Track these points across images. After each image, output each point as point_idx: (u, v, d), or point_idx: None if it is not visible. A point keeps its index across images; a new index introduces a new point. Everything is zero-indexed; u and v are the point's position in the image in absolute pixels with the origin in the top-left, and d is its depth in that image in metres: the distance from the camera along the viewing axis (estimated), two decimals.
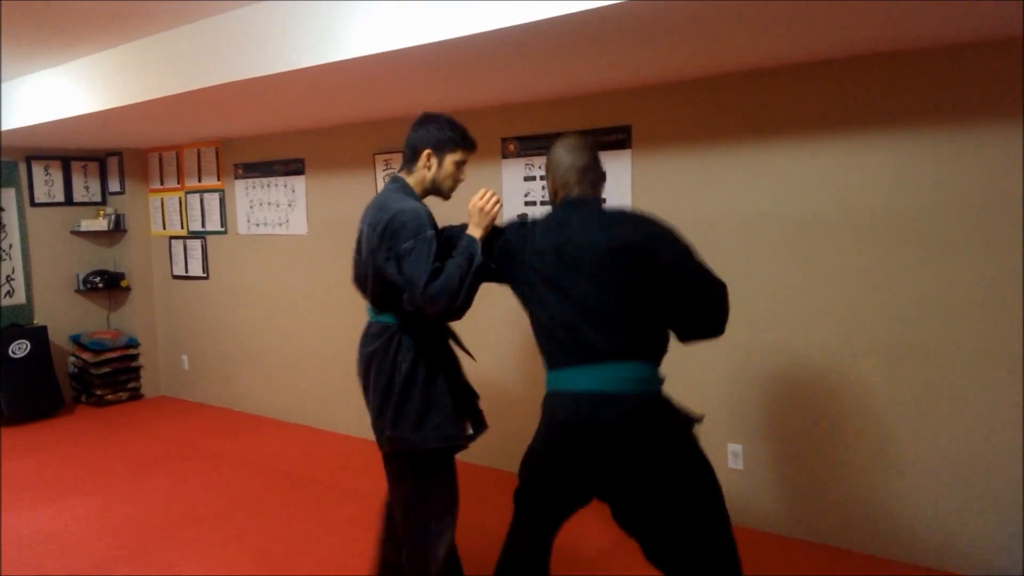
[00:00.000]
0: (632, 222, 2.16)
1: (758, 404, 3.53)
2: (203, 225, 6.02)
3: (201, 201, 5.99)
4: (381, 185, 4.80)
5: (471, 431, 2.53)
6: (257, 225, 5.63)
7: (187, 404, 6.31)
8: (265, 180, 5.51)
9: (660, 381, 2.14)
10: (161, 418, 5.88)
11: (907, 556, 3.20)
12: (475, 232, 2.29)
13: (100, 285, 6.27)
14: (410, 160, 2.47)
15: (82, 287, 6.29)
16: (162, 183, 6.28)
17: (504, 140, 4.24)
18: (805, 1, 2.26)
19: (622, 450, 2.06)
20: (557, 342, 2.12)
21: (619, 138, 3.81)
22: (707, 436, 3.70)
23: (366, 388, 2.55)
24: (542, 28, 2.49)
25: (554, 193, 2.30)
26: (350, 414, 5.23)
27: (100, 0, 3.05)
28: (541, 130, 4.09)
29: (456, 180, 2.47)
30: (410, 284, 2.19)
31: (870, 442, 3.26)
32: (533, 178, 4.13)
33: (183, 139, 5.80)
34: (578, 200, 2.24)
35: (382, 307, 2.46)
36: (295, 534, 3.64)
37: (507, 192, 4.25)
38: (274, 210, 5.50)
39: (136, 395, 6.45)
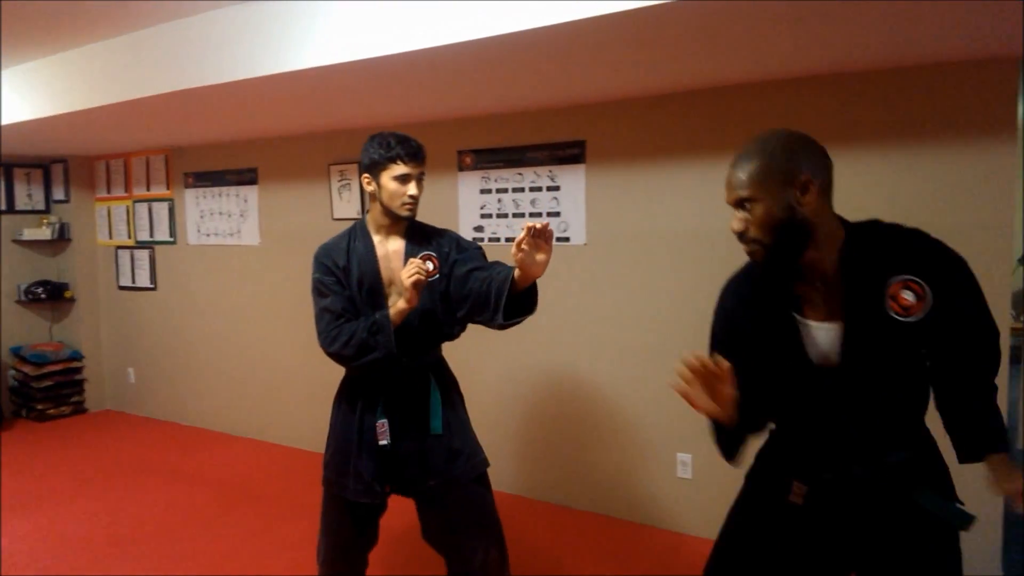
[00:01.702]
0: None
1: None
2: (151, 235, 5.89)
3: (149, 210, 5.87)
4: (336, 196, 4.76)
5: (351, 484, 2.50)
6: (208, 235, 5.53)
7: (133, 418, 6.15)
8: (216, 190, 5.42)
9: None
10: (106, 433, 5.72)
11: None
12: (400, 304, 2.26)
13: (43, 296, 6.08)
14: (362, 193, 2.45)
15: (24, 298, 6.09)
16: (109, 191, 6.13)
17: (460, 152, 4.25)
18: (766, 21, 2.32)
19: None
20: None
21: (573, 153, 3.85)
22: (655, 445, 3.76)
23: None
24: (497, 44, 2.51)
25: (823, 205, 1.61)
26: (301, 428, 5.16)
27: (46, 1, 2.98)
28: (497, 143, 4.12)
29: (404, 196, 2.30)
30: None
31: None
32: (489, 191, 4.15)
33: (131, 147, 5.68)
34: None
35: None
36: (246, 552, 3.57)
37: (463, 205, 4.26)
38: (225, 220, 5.41)
39: (80, 409, 6.26)
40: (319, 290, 2.39)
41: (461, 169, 4.25)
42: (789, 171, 1.53)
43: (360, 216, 2.50)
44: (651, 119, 3.64)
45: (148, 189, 5.85)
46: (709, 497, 3.60)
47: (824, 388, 1.57)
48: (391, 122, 4.38)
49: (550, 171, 3.94)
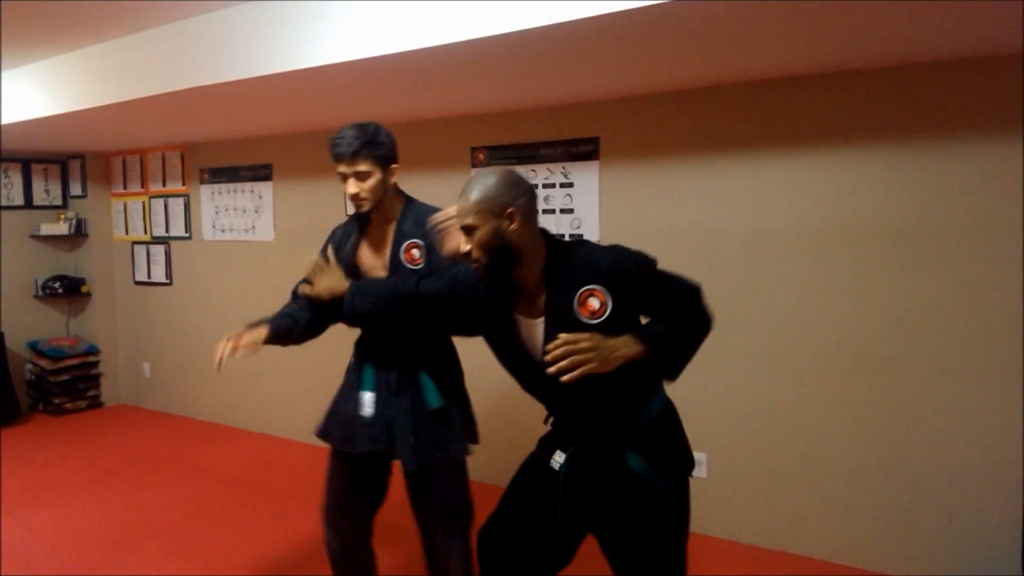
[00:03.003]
0: None
1: (722, 413, 3.58)
2: (167, 230, 5.93)
3: (165, 206, 5.91)
4: None
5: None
6: (223, 231, 5.56)
7: (148, 413, 6.19)
8: (231, 185, 5.45)
9: None
10: (121, 427, 5.77)
11: (865, 563, 3.26)
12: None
13: (60, 290, 6.14)
14: None
15: (41, 292, 6.15)
16: (125, 187, 6.18)
17: (474, 149, 4.25)
18: (776, 19, 2.31)
19: None
20: None
21: (587, 149, 3.84)
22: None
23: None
24: (511, 40, 2.50)
25: (519, 223, 1.96)
26: (314, 422, 5.17)
27: (64, 1, 3.00)
28: (511, 140, 4.11)
29: (347, 194, 2.41)
30: None
31: (833, 451, 3.31)
32: None
33: (148, 143, 5.72)
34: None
35: None
36: (258, 545, 3.59)
37: None
38: (240, 216, 5.44)
39: (96, 403, 6.31)
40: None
41: (474, 165, 4.25)
42: (499, 205, 1.85)
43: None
44: (664, 116, 3.62)
45: (164, 185, 5.89)
46: (724, 496, 3.58)
47: (539, 374, 1.88)
48: (405, 118, 4.39)
49: (563, 168, 3.93)
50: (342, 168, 2.37)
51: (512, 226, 1.87)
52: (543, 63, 2.89)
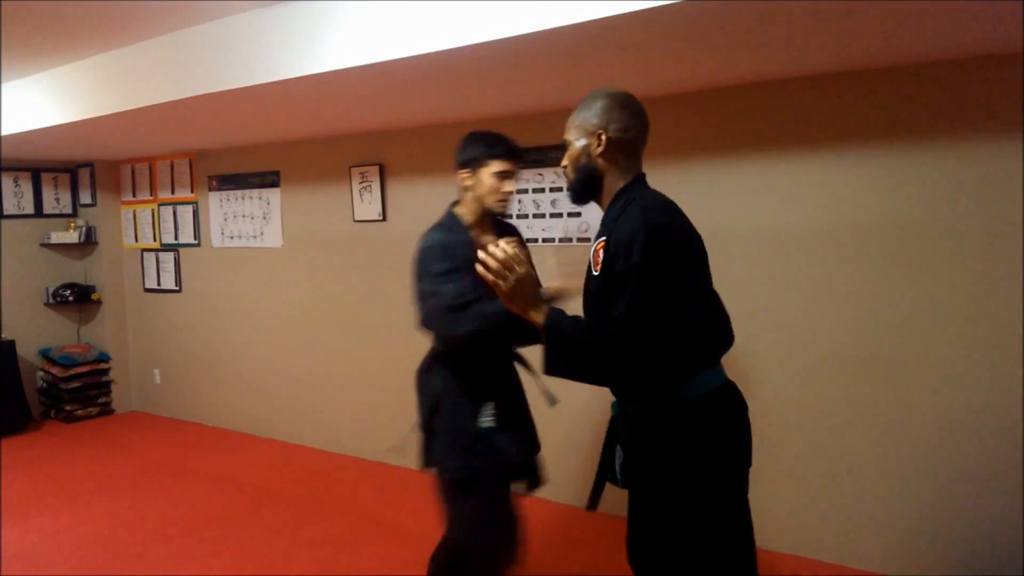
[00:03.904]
0: None
1: None
2: (176, 238, 5.96)
3: (174, 213, 5.93)
4: (358, 198, 4.78)
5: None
6: (231, 238, 5.58)
7: (159, 419, 6.22)
8: (239, 192, 5.47)
9: None
10: (132, 433, 5.79)
11: (869, 565, 3.23)
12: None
13: (70, 298, 6.17)
14: (460, 186, 2.49)
15: (52, 300, 6.18)
16: (134, 195, 6.21)
17: None
18: (776, 20, 2.30)
19: None
20: (714, 338, 1.90)
21: None
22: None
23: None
24: (518, 44, 2.50)
25: (606, 154, 1.87)
26: (324, 429, 5.19)
27: (73, 0, 3.02)
28: (519, 144, 4.10)
29: (499, 193, 2.38)
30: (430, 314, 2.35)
31: (837, 453, 3.29)
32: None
33: (156, 151, 5.75)
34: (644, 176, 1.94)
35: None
36: (269, 551, 3.60)
37: None
38: (248, 223, 5.45)
39: (107, 410, 6.34)
40: (449, 276, 2.31)
41: None
42: (592, 125, 1.85)
43: (449, 213, 2.51)
44: (670, 119, 3.61)
45: (173, 192, 5.92)
46: None
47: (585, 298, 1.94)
48: (412, 124, 4.39)
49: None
50: (507, 166, 2.38)
51: (598, 149, 1.84)
52: (549, 67, 2.89)
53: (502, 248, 1.78)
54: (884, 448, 3.20)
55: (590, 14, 2.23)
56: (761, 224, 3.42)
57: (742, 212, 3.47)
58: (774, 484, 3.47)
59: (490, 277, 1.79)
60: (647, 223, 1.72)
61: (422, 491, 4.34)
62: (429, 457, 2.53)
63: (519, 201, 4.12)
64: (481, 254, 1.79)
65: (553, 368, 1.81)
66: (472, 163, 2.40)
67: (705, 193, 3.55)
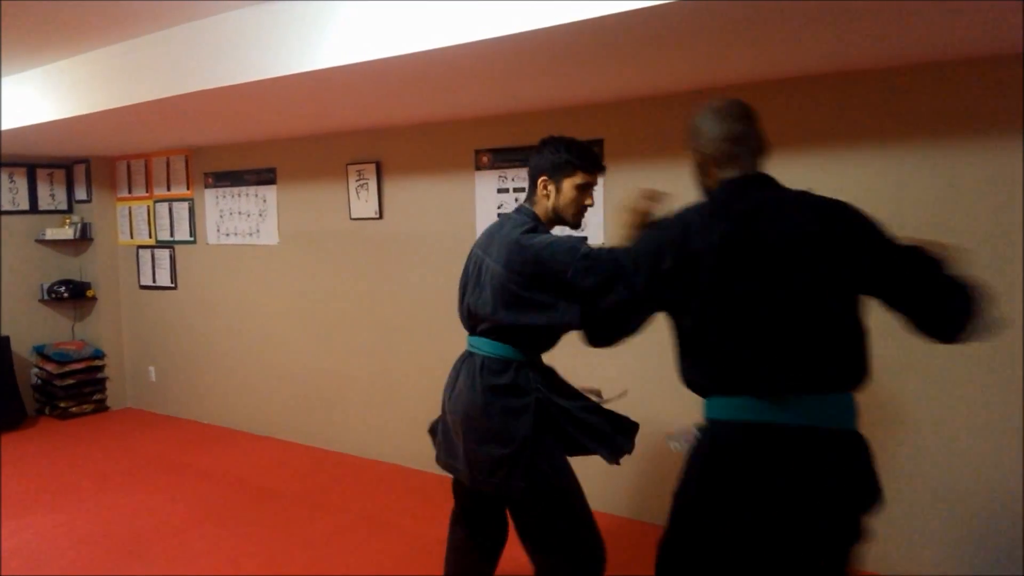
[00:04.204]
0: (841, 206, 1.73)
1: None
2: (172, 234, 5.94)
3: (170, 210, 5.92)
4: (354, 195, 4.78)
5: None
6: (227, 235, 5.57)
7: (154, 416, 6.20)
8: (236, 189, 5.46)
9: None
10: (127, 431, 5.78)
11: (867, 564, 3.24)
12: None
13: (65, 295, 6.15)
14: (531, 189, 2.37)
15: (46, 297, 6.17)
16: (130, 191, 6.20)
17: (477, 152, 4.25)
18: (779, 20, 2.31)
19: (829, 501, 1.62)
20: (751, 362, 1.66)
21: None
22: (665, 444, 3.74)
23: (471, 424, 2.34)
24: (514, 42, 2.50)
25: (702, 172, 1.90)
26: (321, 426, 5.19)
27: (67, 1, 3.01)
28: (514, 142, 4.11)
29: (580, 205, 2.31)
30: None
31: None
32: (507, 190, 4.15)
33: (152, 147, 5.73)
34: (754, 178, 1.80)
35: (508, 341, 2.32)
36: (266, 549, 3.59)
37: (480, 204, 4.26)
38: (244, 220, 5.45)
39: (101, 407, 6.33)
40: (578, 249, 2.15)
41: (478, 168, 4.25)
42: (692, 147, 1.89)
43: (532, 215, 2.36)
44: (668, 118, 3.62)
45: (168, 189, 5.91)
46: None
47: None
48: (409, 122, 4.39)
49: None
50: (591, 179, 2.33)
51: (703, 168, 1.88)
52: (546, 65, 2.89)
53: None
54: (879, 449, 3.21)
55: (586, 13, 2.23)
56: None
57: None
58: None
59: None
60: (643, 235, 1.90)
61: (419, 489, 4.36)
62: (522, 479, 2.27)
63: (516, 199, 4.12)
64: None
65: None
66: (555, 171, 2.30)
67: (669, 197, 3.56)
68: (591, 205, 2.35)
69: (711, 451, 1.71)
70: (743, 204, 1.72)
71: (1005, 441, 2.98)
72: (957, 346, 2.98)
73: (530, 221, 2.30)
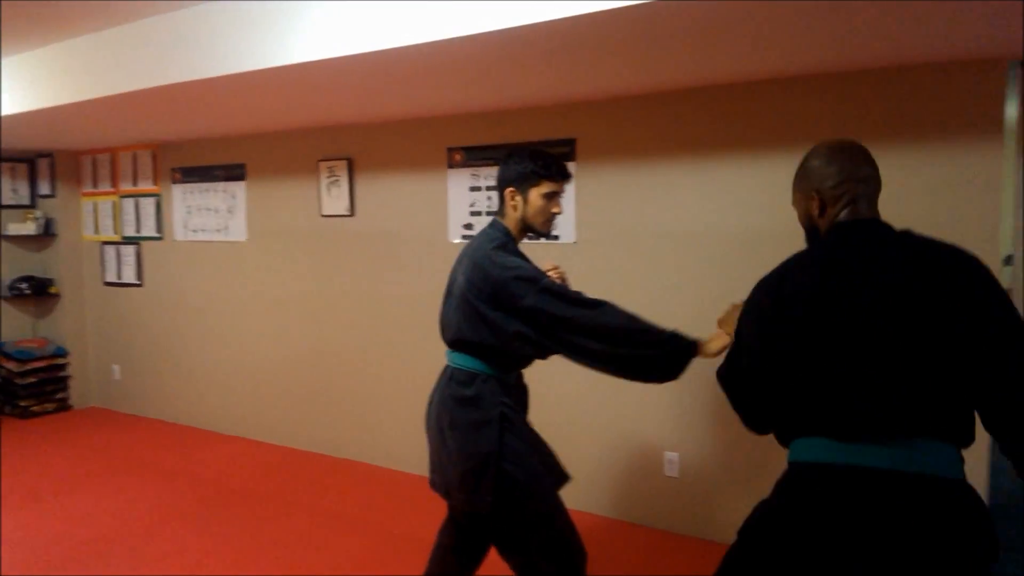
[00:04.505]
0: (950, 256, 1.60)
1: (694, 412, 3.60)
2: (138, 230, 5.84)
3: (136, 206, 5.82)
4: (325, 192, 4.74)
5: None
6: (195, 231, 5.49)
7: (119, 415, 6.10)
8: (204, 185, 5.39)
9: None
10: (91, 430, 5.67)
11: None
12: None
13: (27, 291, 6.02)
14: (501, 202, 2.40)
15: (7, 293, 6.02)
16: (95, 186, 6.08)
17: (450, 150, 4.24)
18: (756, 22, 2.33)
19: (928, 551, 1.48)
20: (816, 408, 1.61)
21: (563, 151, 3.84)
22: (643, 443, 3.77)
23: (442, 438, 2.38)
24: (487, 41, 2.50)
25: (812, 215, 1.78)
26: (288, 426, 5.14)
27: None
28: (487, 140, 4.11)
29: (548, 214, 2.34)
30: (587, 332, 2.16)
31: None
32: (479, 188, 4.14)
33: (118, 141, 5.63)
34: (865, 224, 1.70)
35: (474, 354, 2.34)
36: (232, 549, 3.55)
37: (453, 202, 4.25)
38: (213, 216, 5.37)
39: (64, 406, 6.20)
40: (560, 293, 2.21)
41: (451, 166, 4.24)
42: (806, 187, 1.79)
43: (504, 231, 2.40)
44: (641, 118, 3.64)
45: (135, 184, 5.81)
46: (695, 496, 3.61)
47: None
48: (381, 118, 4.37)
49: None
50: (558, 187, 2.35)
51: (815, 210, 1.75)
52: (519, 64, 2.89)
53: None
54: None
55: (558, 13, 2.23)
56: (735, 225, 3.46)
57: (716, 213, 3.51)
58: (742, 481, 3.51)
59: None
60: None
61: (389, 487, 4.34)
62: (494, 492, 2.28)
63: (488, 198, 4.12)
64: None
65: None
66: (520, 182, 2.33)
67: (678, 193, 3.59)
68: (559, 213, 2.38)
69: (802, 495, 1.60)
70: (846, 251, 1.65)
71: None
72: None
73: (501, 236, 2.35)
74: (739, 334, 1.79)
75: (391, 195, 4.51)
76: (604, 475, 3.89)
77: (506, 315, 2.21)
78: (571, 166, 3.82)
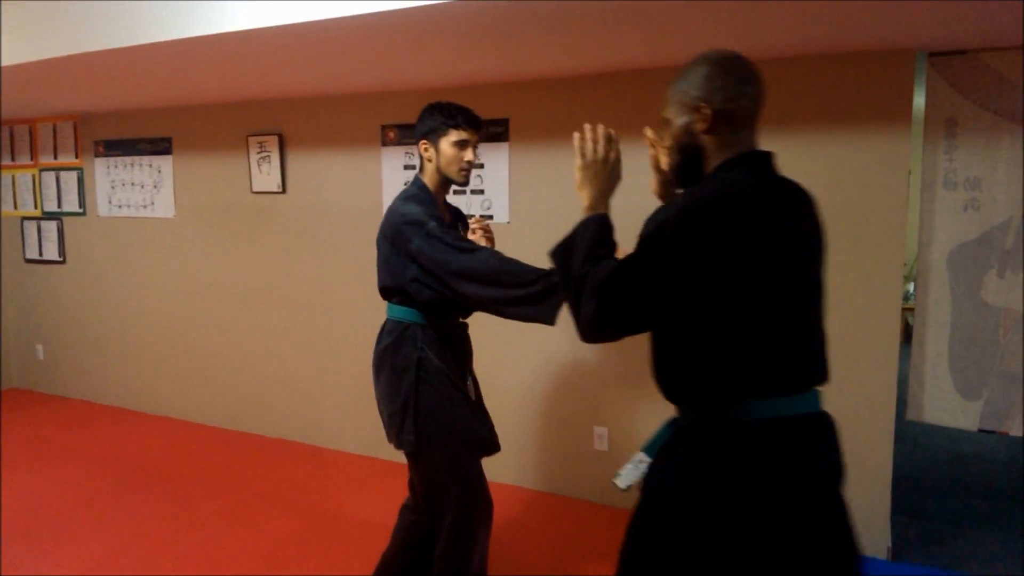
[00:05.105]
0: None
1: (623, 388, 3.69)
2: (59, 205, 5.63)
3: (57, 179, 5.60)
4: (256, 168, 4.65)
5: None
6: (119, 207, 5.33)
7: (42, 396, 5.91)
8: (128, 159, 5.22)
9: None
10: (12, 411, 5.48)
11: None
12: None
13: None
14: (420, 158, 2.49)
15: None
16: (13, 159, 5.83)
17: (384, 127, 4.21)
18: (673, 8, 2.38)
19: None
20: (778, 362, 1.51)
21: (497, 131, 3.86)
22: (573, 417, 3.85)
23: (376, 385, 2.51)
24: (419, 16, 2.50)
25: (694, 131, 1.60)
26: (215, 405, 5.07)
27: None
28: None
29: (462, 162, 2.40)
30: (460, 275, 2.25)
31: None
32: (413, 167, 4.13)
33: (37, 112, 5.40)
34: (766, 156, 1.60)
35: (394, 302, 2.47)
36: (155, 530, 3.50)
37: (387, 180, 4.23)
38: (138, 191, 5.22)
39: None
40: (439, 237, 2.28)
41: (385, 144, 4.21)
42: (693, 98, 1.59)
43: (419, 183, 2.50)
44: (573, 99, 3.68)
45: (56, 158, 5.59)
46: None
47: None
48: (313, 93, 4.30)
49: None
50: (467, 135, 2.41)
51: (702, 126, 1.57)
52: (453, 41, 2.89)
53: (608, 131, 1.70)
54: None
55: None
56: (623, 206, 3.53)
57: (645, 193, 3.58)
58: None
59: (580, 143, 1.69)
60: (684, 207, 1.47)
61: (319, 465, 4.33)
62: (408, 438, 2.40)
63: (407, 181, 4.10)
64: (587, 125, 1.71)
65: (554, 254, 1.70)
66: (431, 134, 2.42)
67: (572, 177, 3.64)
68: (473, 161, 2.45)
69: (751, 451, 1.49)
70: (773, 188, 1.54)
71: (878, 431, 3.16)
72: (840, 327, 3.18)
73: (414, 189, 2.47)
74: (678, 261, 1.45)
75: (324, 172, 4.46)
76: (534, 449, 3.96)
77: (403, 260, 2.35)
78: (505, 146, 3.85)
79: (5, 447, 4.68)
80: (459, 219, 2.68)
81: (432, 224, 2.30)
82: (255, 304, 4.83)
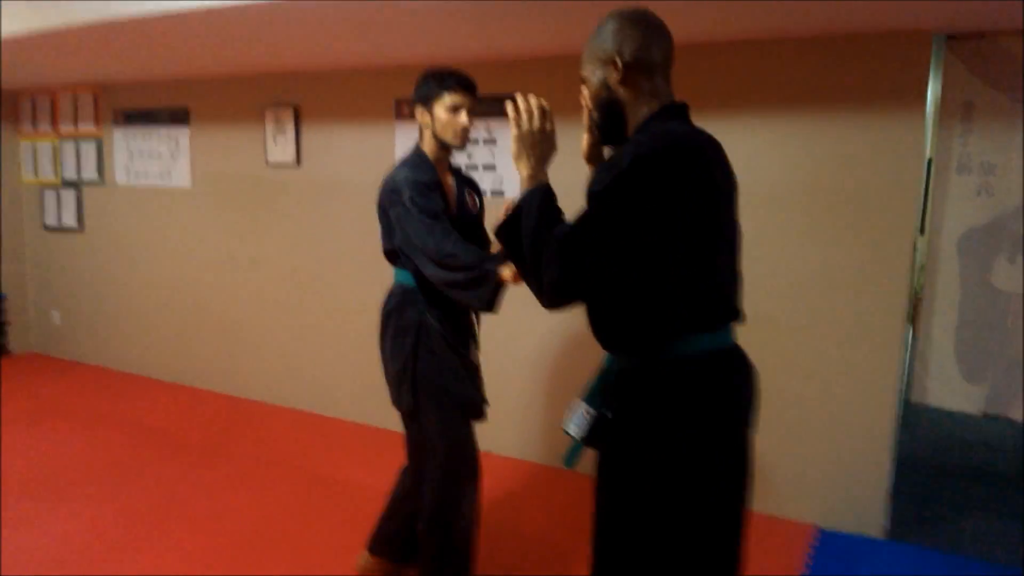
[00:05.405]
0: None
1: None
2: (78, 174, 5.70)
3: (77, 149, 5.67)
4: (271, 140, 4.69)
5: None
6: (137, 176, 5.39)
7: (58, 361, 6.01)
8: (147, 129, 5.27)
9: None
10: (29, 376, 5.59)
11: (765, 508, 3.46)
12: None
13: None
14: (420, 127, 2.51)
15: None
16: (35, 128, 5.90)
17: (398, 101, 4.22)
18: None
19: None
20: (709, 303, 1.60)
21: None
22: (577, 392, 3.87)
23: (381, 348, 2.56)
24: None
25: (611, 84, 1.64)
26: (228, 373, 5.14)
27: None
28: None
29: (456, 126, 2.41)
30: (419, 251, 2.31)
31: None
32: None
33: (59, 82, 5.46)
34: (686, 107, 1.68)
35: (397, 265, 2.52)
36: (164, 495, 3.57)
37: (400, 154, 4.24)
38: (156, 161, 5.27)
39: (2, 351, 6.08)
40: (422, 206, 2.33)
41: (399, 118, 4.23)
42: (605, 52, 1.62)
43: (417, 151, 2.53)
44: (574, 75, 3.66)
45: (76, 127, 5.65)
46: None
47: None
48: (329, 67, 4.32)
49: (487, 124, 3.95)
50: (460, 99, 2.39)
51: (617, 77, 1.61)
52: (465, 18, 2.90)
53: (540, 101, 1.67)
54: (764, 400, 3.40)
55: None
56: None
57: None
58: None
59: (515, 114, 1.66)
60: (636, 157, 1.48)
61: (329, 435, 4.39)
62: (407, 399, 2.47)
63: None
64: (518, 94, 1.69)
65: (500, 232, 1.68)
66: (426, 100, 2.43)
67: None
68: (468, 125, 2.44)
69: (701, 385, 1.59)
70: (700, 137, 1.60)
71: (881, 402, 3.16)
72: (844, 307, 3.17)
73: (412, 156, 2.50)
74: (639, 212, 1.47)
75: (338, 145, 4.49)
76: (537, 422, 4.00)
77: (391, 226, 2.42)
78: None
79: (19, 410, 4.78)
80: (468, 186, 2.68)
81: (408, 195, 2.33)
82: (267, 272, 4.88)
